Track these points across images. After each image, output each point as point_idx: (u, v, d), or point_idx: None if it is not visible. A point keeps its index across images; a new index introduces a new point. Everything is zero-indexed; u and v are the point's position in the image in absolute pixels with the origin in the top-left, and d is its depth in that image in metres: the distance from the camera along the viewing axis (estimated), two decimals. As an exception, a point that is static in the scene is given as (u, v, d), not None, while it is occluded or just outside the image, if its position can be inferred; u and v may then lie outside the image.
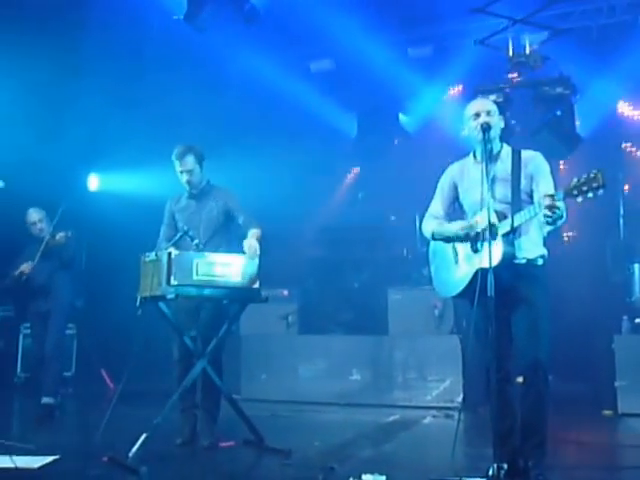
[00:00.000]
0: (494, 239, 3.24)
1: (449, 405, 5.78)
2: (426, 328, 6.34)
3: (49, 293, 5.64)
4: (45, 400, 5.48)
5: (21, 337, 7.67)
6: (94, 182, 8.85)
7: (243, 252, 4.17)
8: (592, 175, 2.94)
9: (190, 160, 4.44)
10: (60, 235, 5.45)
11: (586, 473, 3.77)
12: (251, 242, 4.20)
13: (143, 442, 3.83)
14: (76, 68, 6.97)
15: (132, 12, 6.79)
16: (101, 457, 3.87)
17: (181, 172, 4.47)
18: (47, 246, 5.48)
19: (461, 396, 5.80)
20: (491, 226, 3.22)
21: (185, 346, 4.28)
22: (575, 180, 2.99)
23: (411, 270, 7.23)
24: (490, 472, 3.11)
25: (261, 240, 4.25)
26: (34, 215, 5.70)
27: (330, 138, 8.60)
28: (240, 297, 4.21)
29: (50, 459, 3.91)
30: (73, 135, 7.19)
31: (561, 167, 7.46)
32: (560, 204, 3.03)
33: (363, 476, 3.44)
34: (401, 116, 8.25)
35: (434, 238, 3.67)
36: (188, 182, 4.48)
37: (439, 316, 6.29)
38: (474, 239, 3.41)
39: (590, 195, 2.95)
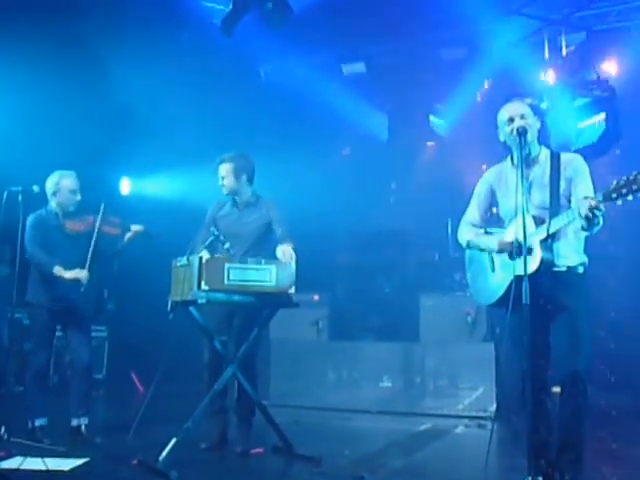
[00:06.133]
0: (529, 254, 3.15)
1: (482, 414, 5.67)
2: (458, 335, 6.23)
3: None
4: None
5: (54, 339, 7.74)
6: (126, 186, 8.95)
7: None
8: (632, 177, 2.85)
9: (224, 168, 4.54)
10: (138, 228, 4.85)
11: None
12: (285, 249, 4.21)
13: (173, 446, 3.83)
14: (107, 73, 7.04)
15: (163, 16, 6.84)
16: (131, 460, 3.89)
17: (219, 178, 4.58)
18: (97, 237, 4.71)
19: (494, 405, 5.68)
20: (525, 239, 3.11)
21: (215, 351, 4.28)
22: (615, 183, 2.90)
23: (443, 276, 7.15)
24: (524, 485, 3.02)
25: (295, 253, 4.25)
26: (77, 181, 4.82)
27: (361, 141, 8.55)
28: (271, 303, 4.19)
29: (80, 461, 3.94)
30: (105, 139, 7.27)
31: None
32: (601, 206, 2.94)
33: (394, 486, 3.38)
34: (432, 118, 8.18)
35: (469, 247, 3.62)
36: (222, 188, 4.58)
37: (472, 323, 6.18)
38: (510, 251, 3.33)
39: (630, 197, 2.86)
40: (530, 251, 3.18)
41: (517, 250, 3.18)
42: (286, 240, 4.39)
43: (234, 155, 4.56)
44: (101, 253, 4.82)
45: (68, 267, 4.70)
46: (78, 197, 4.81)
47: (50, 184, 4.78)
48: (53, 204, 4.80)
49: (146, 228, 4.94)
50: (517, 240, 3.19)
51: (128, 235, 4.89)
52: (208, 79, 7.71)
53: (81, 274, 4.64)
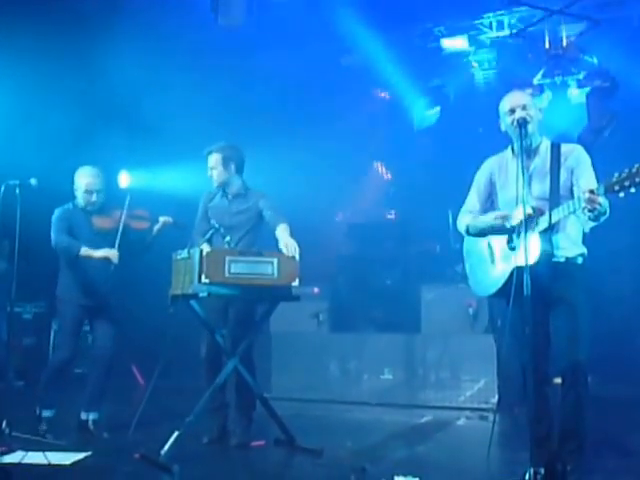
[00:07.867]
0: (532, 230, 3.14)
1: (483, 406, 5.66)
2: (460, 327, 6.21)
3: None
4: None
5: (52, 334, 7.72)
6: (125, 179, 8.89)
7: (278, 250, 4.10)
8: (634, 170, 2.83)
9: (213, 158, 4.51)
10: (166, 219, 4.71)
11: (626, 479, 3.64)
12: (287, 241, 4.10)
13: (175, 440, 3.83)
14: (106, 65, 7.00)
15: (160, 7, 6.81)
16: (133, 454, 3.88)
17: (208, 169, 4.55)
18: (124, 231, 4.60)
19: (496, 397, 5.67)
20: (528, 219, 3.10)
21: (214, 344, 4.27)
22: (616, 175, 2.88)
23: (444, 267, 7.12)
24: (526, 476, 3.02)
25: (292, 235, 4.19)
26: (96, 180, 4.65)
27: (359, 131, 8.52)
28: (272, 296, 4.17)
29: (82, 455, 3.95)
30: (103, 131, 7.23)
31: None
32: (602, 199, 2.93)
33: (396, 478, 3.40)
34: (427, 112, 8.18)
35: (469, 233, 3.57)
36: (211, 178, 4.56)
37: (473, 315, 6.15)
38: (510, 231, 3.30)
39: (632, 190, 2.84)
40: (533, 227, 3.16)
41: (519, 226, 3.14)
42: (279, 220, 4.29)
43: (222, 145, 4.53)
44: (130, 248, 4.68)
45: (99, 266, 4.60)
46: (94, 198, 4.64)
47: (75, 178, 4.69)
48: (79, 199, 4.70)
49: (175, 219, 4.82)
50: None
51: (156, 227, 4.77)
52: (208, 69, 7.67)
53: (110, 252, 4.52)
